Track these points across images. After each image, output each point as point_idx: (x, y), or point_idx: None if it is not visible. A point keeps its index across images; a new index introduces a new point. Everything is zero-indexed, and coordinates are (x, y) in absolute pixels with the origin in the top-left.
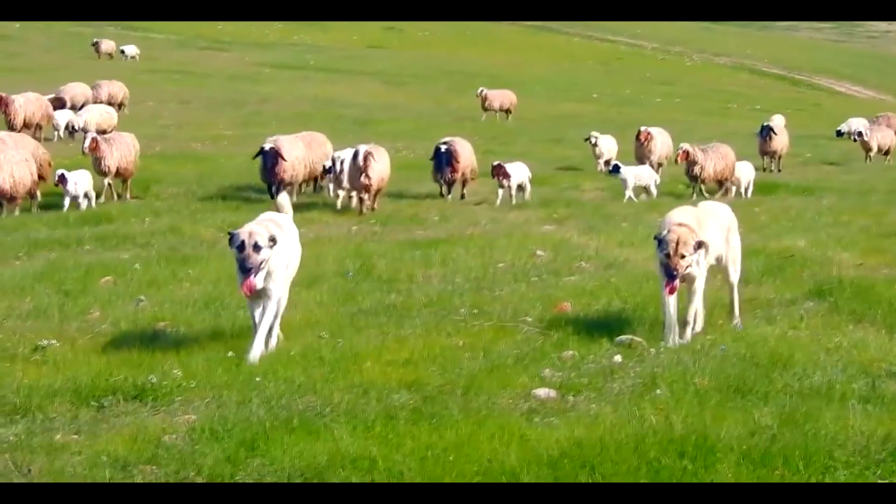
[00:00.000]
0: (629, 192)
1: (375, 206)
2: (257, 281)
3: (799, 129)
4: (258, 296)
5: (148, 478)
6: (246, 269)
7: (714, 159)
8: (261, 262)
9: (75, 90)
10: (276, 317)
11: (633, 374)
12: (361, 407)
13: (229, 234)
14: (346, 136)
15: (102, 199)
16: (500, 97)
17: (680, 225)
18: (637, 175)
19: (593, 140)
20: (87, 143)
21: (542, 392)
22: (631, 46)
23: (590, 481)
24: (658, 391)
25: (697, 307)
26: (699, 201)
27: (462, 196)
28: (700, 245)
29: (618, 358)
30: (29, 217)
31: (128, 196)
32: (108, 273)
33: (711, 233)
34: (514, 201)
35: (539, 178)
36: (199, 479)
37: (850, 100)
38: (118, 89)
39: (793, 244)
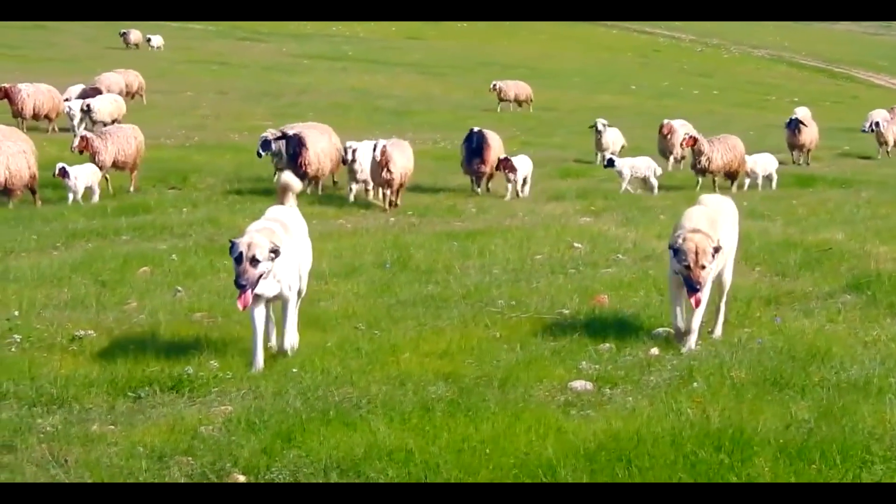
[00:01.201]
0: (626, 185)
1: (399, 201)
2: (265, 289)
3: (836, 122)
4: (270, 300)
5: (184, 469)
6: (241, 285)
7: (721, 150)
8: (258, 277)
9: (111, 79)
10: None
11: (670, 367)
12: (398, 399)
13: (230, 242)
14: (384, 126)
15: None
16: (515, 88)
17: (695, 231)
18: (633, 167)
19: (600, 127)
20: (75, 144)
21: (578, 384)
22: (669, 38)
23: (626, 474)
24: (695, 384)
25: (701, 311)
26: (703, 194)
27: (487, 189)
28: (717, 250)
29: (654, 350)
30: (66, 207)
31: (132, 188)
32: (145, 263)
33: (726, 232)
34: (521, 195)
35: (576, 170)
36: (236, 471)
37: (889, 92)
38: (133, 78)
39: (831, 237)
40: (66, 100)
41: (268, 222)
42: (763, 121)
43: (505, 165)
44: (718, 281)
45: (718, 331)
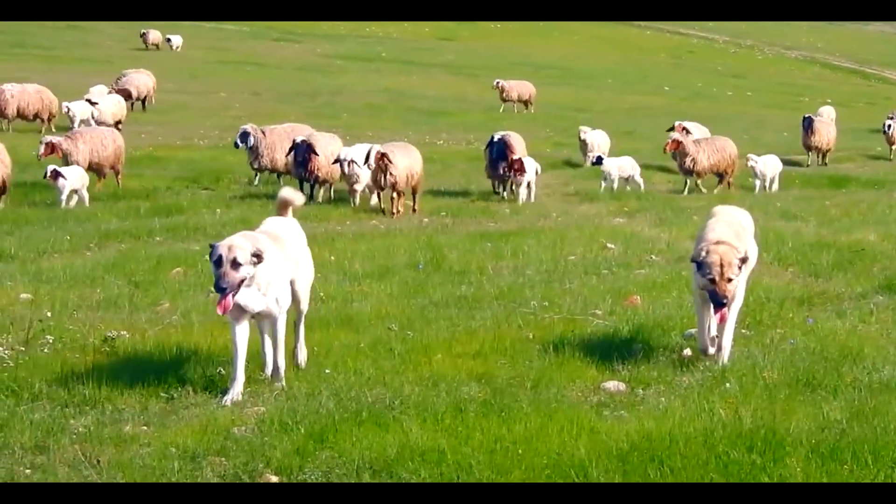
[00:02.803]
0: (613, 184)
1: (416, 206)
2: (250, 302)
3: (869, 123)
4: (256, 316)
5: (217, 470)
6: (221, 289)
7: (708, 152)
8: (240, 281)
9: (139, 80)
10: (300, 322)
11: (703, 368)
12: (431, 399)
13: (210, 246)
14: (417, 127)
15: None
16: (518, 87)
17: (719, 243)
18: (620, 167)
19: (582, 136)
20: (41, 151)
21: (611, 385)
22: (702, 39)
23: (658, 475)
24: (727, 385)
25: (732, 326)
26: (716, 206)
27: (513, 193)
28: (744, 262)
29: (687, 351)
30: (100, 208)
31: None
32: (178, 264)
33: (751, 245)
34: (531, 197)
35: None
36: (268, 471)
37: None
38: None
39: (863, 238)
40: (90, 100)
41: (254, 232)
42: (796, 122)
43: (517, 167)
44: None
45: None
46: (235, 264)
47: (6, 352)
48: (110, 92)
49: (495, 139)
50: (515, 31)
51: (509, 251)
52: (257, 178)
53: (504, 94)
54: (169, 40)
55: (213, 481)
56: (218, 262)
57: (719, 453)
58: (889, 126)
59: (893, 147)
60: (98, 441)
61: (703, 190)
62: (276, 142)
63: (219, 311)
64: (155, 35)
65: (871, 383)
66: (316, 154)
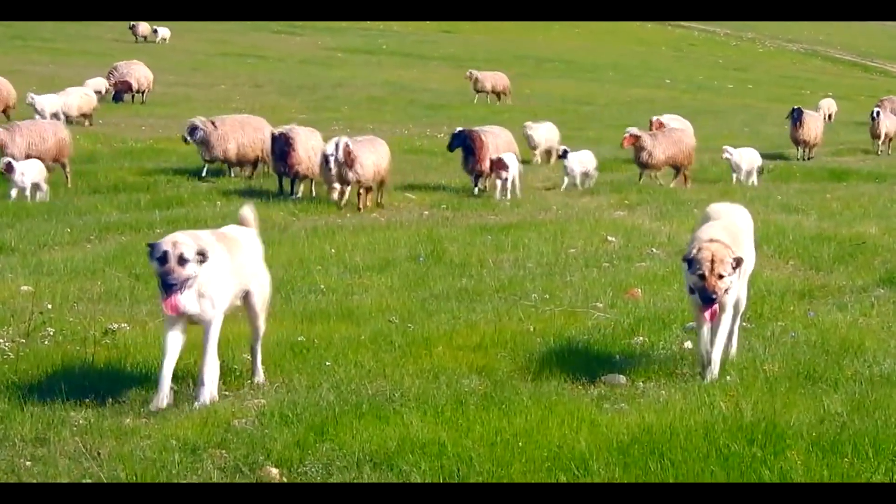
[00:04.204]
0: (575, 179)
1: (382, 200)
2: (186, 302)
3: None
4: (191, 321)
5: (217, 462)
6: (169, 285)
7: (664, 144)
8: (187, 279)
9: (140, 72)
10: (257, 343)
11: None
12: (431, 392)
13: (149, 245)
14: (419, 120)
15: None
16: (492, 79)
17: (711, 241)
18: (581, 161)
19: (528, 131)
20: None
21: (612, 378)
22: (704, 32)
23: (659, 468)
24: (728, 378)
25: (723, 339)
26: (712, 204)
27: (484, 189)
28: (738, 262)
29: (688, 344)
30: (100, 200)
31: (68, 183)
32: None
33: (747, 247)
34: (509, 195)
35: (610, 163)
36: (269, 464)
37: None
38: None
39: (864, 231)
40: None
41: (196, 231)
42: None
43: (499, 165)
44: (734, 303)
45: (733, 353)
46: (182, 260)
47: (7, 344)
48: (111, 84)
49: (458, 132)
50: (517, 24)
51: (510, 244)
52: (205, 169)
53: (477, 85)
54: (156, 31)
55: (213, 473)
56: (163, 259)
57: (720, 446)
58: (878, 114)
59: (879, 141)
60: (98, 433)
61: (661, 182)
62: (229, 132)
63: (169, 312)
64: (144, 27)
65: (872, 376)
66: (294, 148)
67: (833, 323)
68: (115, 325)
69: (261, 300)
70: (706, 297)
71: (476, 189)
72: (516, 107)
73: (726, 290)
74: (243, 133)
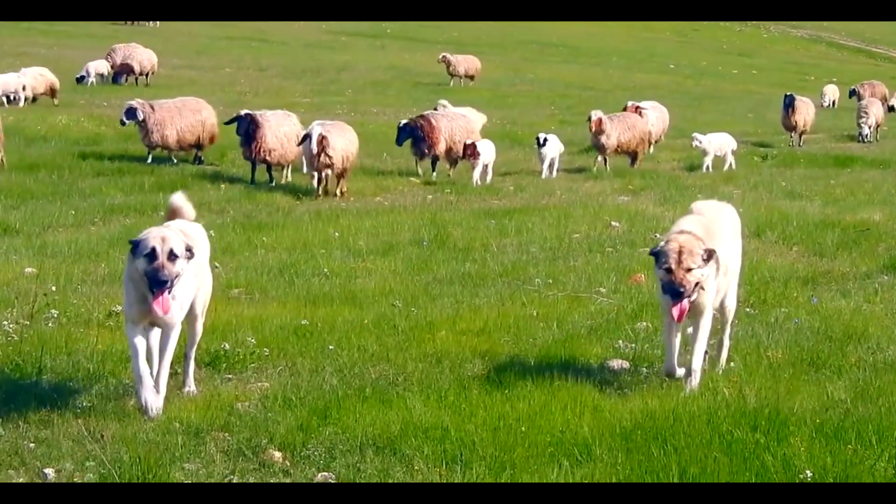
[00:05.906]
0: (556, 169)
1: (345, 188)
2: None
3: None
4: (157, 322)
5: (220, 445)
6: (161, 283)
7: (619, 129)
8: (177, 276)
9: (143, 55)
10: (191, 350)
11: (707, 347)
12: (434, 376)
13: (131, 242)
14: (423, 104)
15: None
16: (465, 63)
17: (681, 233)
18: (557, 147)
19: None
20: None
21: (615, 363)
22: None
23: (662, 453)
24: (731, 364)
25: (702, 346)
26: (696, 201)
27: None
28: (710, 254)
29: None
30: (105, 182)
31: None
32: None
33: (726, 245)
34: (487, 179)
35: None
36: (272, 447)
37: None
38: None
39: (868, 217)
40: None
41: (166, 228)
42: None
43: (471, 152)
44: (721, 308)
45: (722, 364)
46: (172, 256)
47: (11, 326)
48: (112, 67)
49: (402, 124)
50: None
51: (513, 228)
52: (150, 156)
53: (450, 69)
54: None
55: (216, 456)
56: (151, 256)
57: (723, 432)
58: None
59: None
60: (102, 415)
61: (607, 167)
62: (166, 118)
63: (159, 312)
64: None
65: (876, 363)
66: (259, 127)
67: (837, 309)
68: (119, 308)
69: (203, 303)
70: (673, 291)
71: (420, 171)
72: (520, 92)
73: (697, 285)
74: (181, 117)
